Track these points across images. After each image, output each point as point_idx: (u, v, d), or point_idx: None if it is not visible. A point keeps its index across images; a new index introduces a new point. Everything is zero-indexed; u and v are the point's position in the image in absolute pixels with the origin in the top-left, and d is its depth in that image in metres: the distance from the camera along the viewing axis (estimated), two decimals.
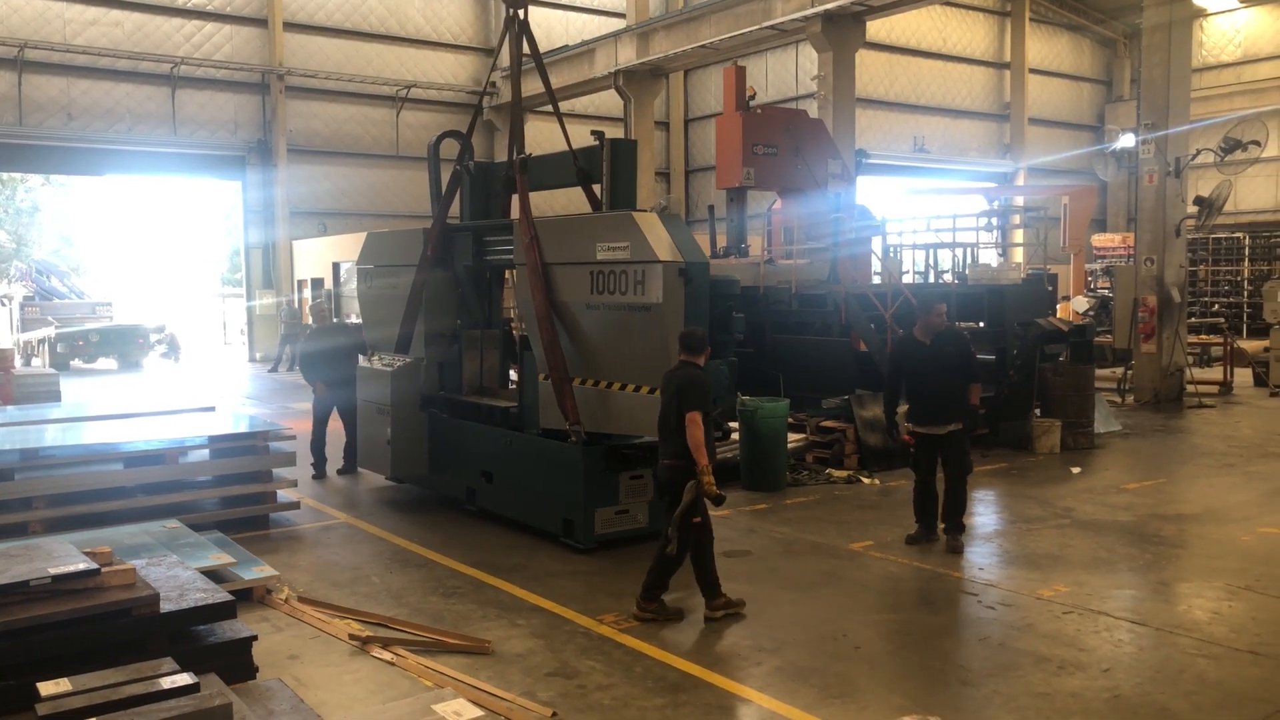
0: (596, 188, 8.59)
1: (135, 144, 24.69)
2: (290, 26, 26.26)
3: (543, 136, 27.48)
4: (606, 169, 8.21)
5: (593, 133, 8.50)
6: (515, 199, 9.10)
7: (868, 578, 7.00)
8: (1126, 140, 21.60)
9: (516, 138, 8.68)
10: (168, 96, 24.85)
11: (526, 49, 8.83)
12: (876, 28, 25.21)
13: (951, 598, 6.58)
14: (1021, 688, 5.05)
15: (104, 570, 4.56)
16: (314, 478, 10.48)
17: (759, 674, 5.27)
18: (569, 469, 7.62)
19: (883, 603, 6.48)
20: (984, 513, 9.16)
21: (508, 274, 9.82)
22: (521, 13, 8.70)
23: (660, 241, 6.93)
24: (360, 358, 9.87)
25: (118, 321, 26.95)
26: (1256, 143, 16.85)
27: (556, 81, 27.74)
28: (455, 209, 9.80)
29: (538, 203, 8.65)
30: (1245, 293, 28.43)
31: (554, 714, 4.74)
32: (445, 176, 9.78)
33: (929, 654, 5.55)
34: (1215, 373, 18.03)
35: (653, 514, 7.65)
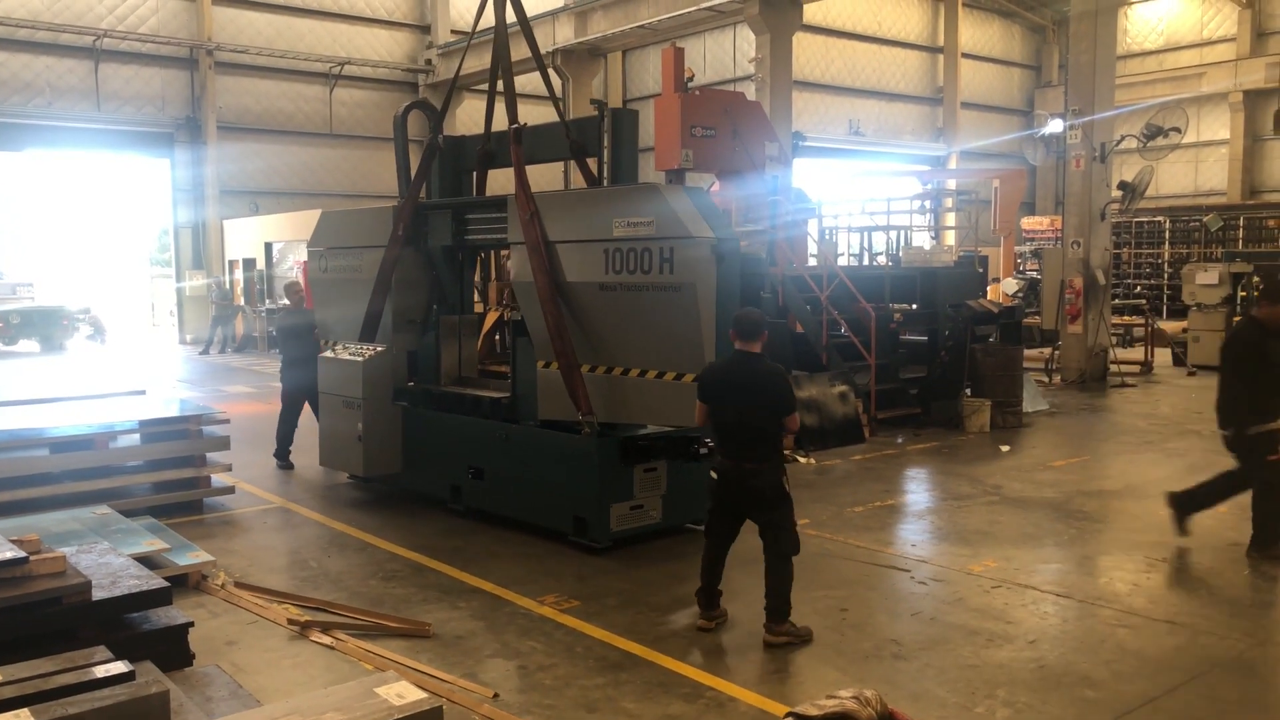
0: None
1: (57, 119, 23.87)
2: (219, 0, 25.58)
3: (479, 115, 27.15)
4: (608, 140, 7.61)
5: (592, 101, 8.31)
6: (491, 174, 8.78)
7: (803, 555, 7.10)
8: (1055, 125, 22.03)
9: (511, 107, 7.94)
10: (90, 70, 24.07)
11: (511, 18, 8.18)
12: (813, 10, 25.38)
13: (884, 574, 6.74)
14: (952, 660, 5.21)
15: (32, 558, 4.46)
16: (280, 468, 10.02)
17: (698, 652, 5.35)
18: (581, 462, 7.10)
19: (818, 579, 6.61)
20: (916, 490, 9.38)
21: (481, 256, 9.55)
22: None
23: (691, 216, 6.40)
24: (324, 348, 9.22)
25: (40, 303, 26.12)
26: (1177, 129, 17.37)
27: (482, 64, 27.63)
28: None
29: (499, 180, 8.37)
30: (1165, 275, 29.31)
31: (495, 695, 4.77)
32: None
33: (863, 629, 5.69)
34: (1137, 353, 18.61)
35: (666, 509, 7.31)
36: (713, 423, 5.60)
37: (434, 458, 8.42)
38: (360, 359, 8.55)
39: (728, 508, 5.61)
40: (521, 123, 7.88)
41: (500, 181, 9.10)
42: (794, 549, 5.49)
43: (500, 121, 8.63)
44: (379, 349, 8.61)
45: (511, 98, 7.94)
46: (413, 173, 8.92)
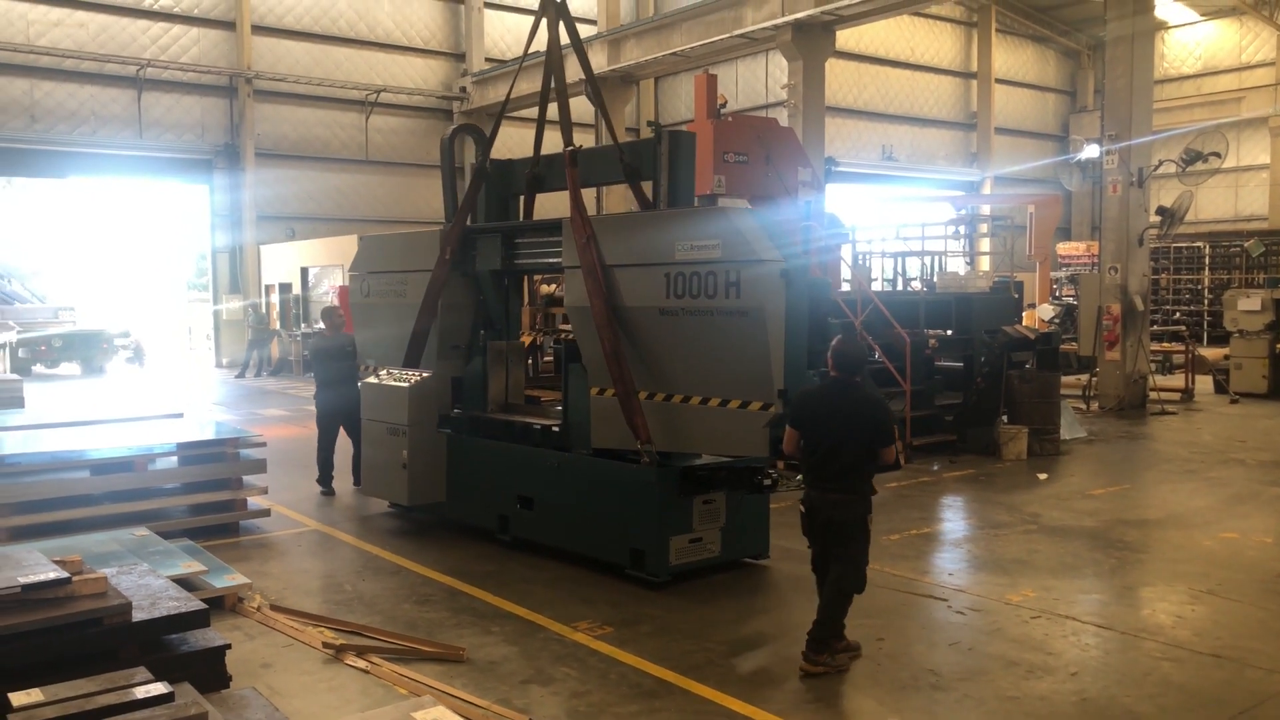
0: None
1: (100, 146, 24.38)
2: (259, 29, 26.06)
3: (513, 141, 27.39)
4: (665, 163, 7.38)
5: (649, 124, 8.25)
6: (539, 198, 8.74)
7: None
8: (1091, 150, 21.94)
9: (566, 129, 7.76)
10: (133, 99, 24.58)
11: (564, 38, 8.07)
12: (846, 37, 25.45)
13: (921, 603, 6.65)
14: (991, 691, 5.12)
15: (75, 579, 4.51)
16: (322, 494, 9.97)
17: (733, 680, 5.30)
18: (640, 493, 6.84)
19: (854, 608, 6.52)
20: (952, 518, 9.27)
21: (527, 280, 9.41)
22: None
23: (759, 238, 6.17)
24: (366, 374, 9.11)
25: (81, 326, 26.57)
26: (1217, 154, 17.22)
27: (527, 88, 27.67)
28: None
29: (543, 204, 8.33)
30: (1206, 301, 28.95)
31: None
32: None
33: (900, 659, 5.61)
34: (1177, 380, 18.34)
35: (725, 542, 7.08)
36: (804, 451, 5.42)
37: (480, 487, 8.19)
38: (406, 384, 8.36)
39: (815, 541, 5.46)
40: (576, 145, 7.72)
41: (544, 206, 9.13)
42: (859, 587, 5.36)
43: (549, 144, 8.63)
44: (424, 374, 8.44)
45: (566, 120, 7.81)
46: (459, 196, 8.86)
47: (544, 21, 8.06)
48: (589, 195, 8.40)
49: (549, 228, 7.93)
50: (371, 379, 8.83)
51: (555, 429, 7.64)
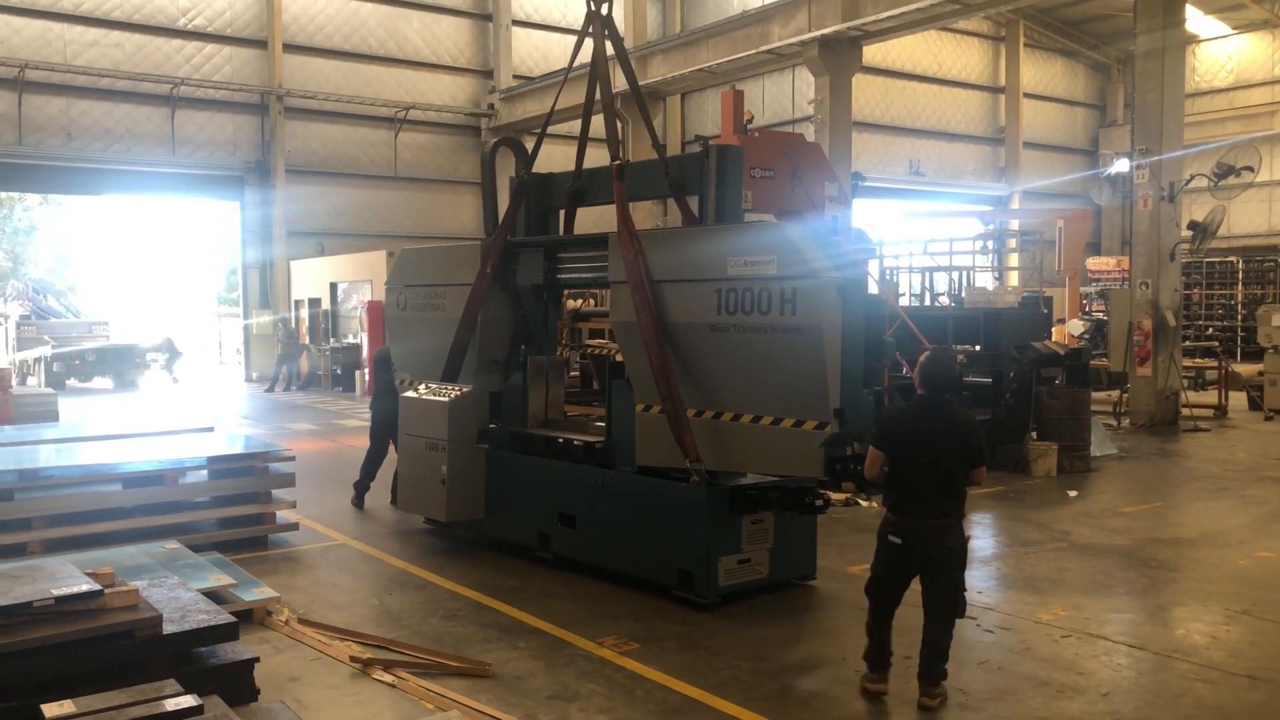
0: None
1: (134, 164, 24.79)
2: (290, 48, 26.42)
3: (544, 155, 27.40)
4: (713, 178, 7.29)
5: (697, 138, 8.24)
6: (579, 211, 8.70)
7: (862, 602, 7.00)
8: (1121, 165, 21.73)
9: (613, 142, 7.71)
10: (167, 117, 24.96)
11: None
12: (873, 52, 25.40)
13: None
14: (1021, 711, 5.06)
15: (107, 591, 4.56)
16: (354, 502, 10.05)
17: (760, 697, 5.27)
18: (687, 512, 6.72)
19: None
20: (982, 536, 9.17)
21: (566, 295, 9.29)
22: (606, 7, 7.92)
23: (816, 254, 6.09)
24: (403, 387, 9.07)
25: (114, 341, 26.94)
26: (1249, 168, 17.02)
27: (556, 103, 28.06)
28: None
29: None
30: (1239, 316, 28.59)
31: None
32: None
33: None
34: (1210, 396, 18.11)
35: (773, 563, 6.94)
36: (891, 475, 5.14)
37: (520, 503, 8.09)
38: (446, 399, 8.25)
39: (907, 571, 5.14)
40: (625, 159, 7.66)
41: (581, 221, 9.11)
42: (963, 611, 5.16)
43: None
44: (465, 389, 8.35)
45: (613, 133, 7.72)
46: (499, 210, 8.82)
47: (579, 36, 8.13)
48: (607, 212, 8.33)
49: (594, 242, 7.90)
50: (410, 393, 8.73)
51: (598, 445, 7.50)
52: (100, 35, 24.09)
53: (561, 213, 8.78)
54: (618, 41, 8.10)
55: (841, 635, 6.19)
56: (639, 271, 6.93)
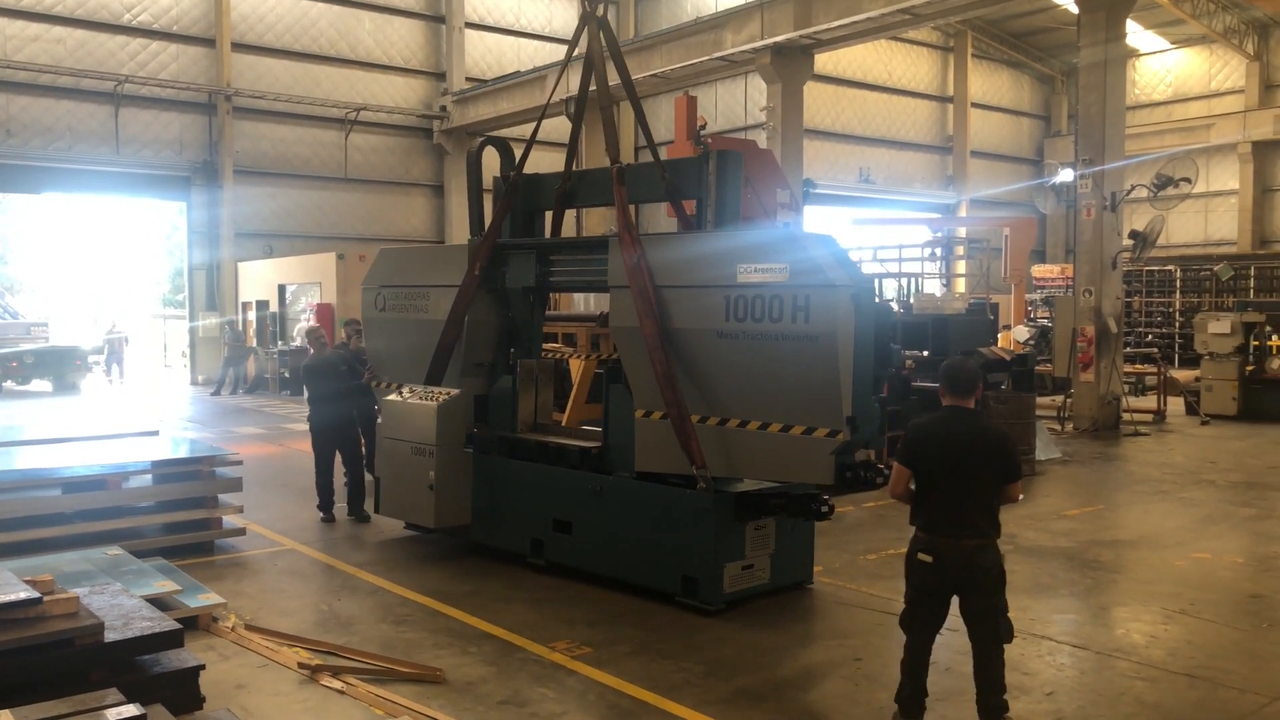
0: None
1: (76, 162, 24.23)
2: (239, 47, 26.03)
3: (494, 160, 27.22)
4: (713, 183, 7.22)
5: (696, 143, 8.12)
6: (566, 214, 8.59)
7: (817, 603, 7.07)
8: (1065, 175, 22.25)
9: (612, 146, 7.64)
10: (110, 115, 24.45)
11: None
12: (824, 60, 25.66)
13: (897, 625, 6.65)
14: (969, 712, 5.12)
15: (45, 599, 4.46)
16: (323, 520, 9.60)
17: (712, 700, 5.29)
18: (693, 519, 6.69)
19: (831, 628, 6.55)
20: None
21: (553, 298, 9.16)
22: (602, 8, 7.91)
23: (830, 263, 6.14)
24: (380, 389, 8.89)
25: (54, 343, 26.29)
26: (1187, 179, 17.45)
27: (507, 107, 27.96)
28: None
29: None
30: (1177, 324, 29.29)
31: None
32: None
33: (878, 679, 5.62)
34: (1150, 401, 18.53)
35: (774, 568, 6.97)
36: (919, 493, 4.87)
37: (510, 509, 7.95)
38: (434, 403, 8.06)
39: (942, 593, 4.81)
40: (622, 162, 7.56)
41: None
42: (1010, 636, 4.83)
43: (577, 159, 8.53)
44: (452, 393, 8.17)
45: (612, 134, 7.65)
46: (484, 211, 8.66)
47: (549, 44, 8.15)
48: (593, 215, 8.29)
49: (590, 245, 7.82)
50: (394, 396, 8.51)
51: (594, 451, 7.42)
52: (41, 30, 23.54)
53: (548, 214, 8.65)
54: (613, 43, 8.05)
55: (785, 648, 6.23)
56: (643, 278, 6.86)
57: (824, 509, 6.77)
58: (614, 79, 8.05)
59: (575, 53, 8.96)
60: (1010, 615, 4.83)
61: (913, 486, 4.90)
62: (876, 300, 6.46)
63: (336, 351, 10.47)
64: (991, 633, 4.76)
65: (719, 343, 6.54)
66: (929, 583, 4.80)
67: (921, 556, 4.82)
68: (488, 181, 8.59)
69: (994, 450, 4.78)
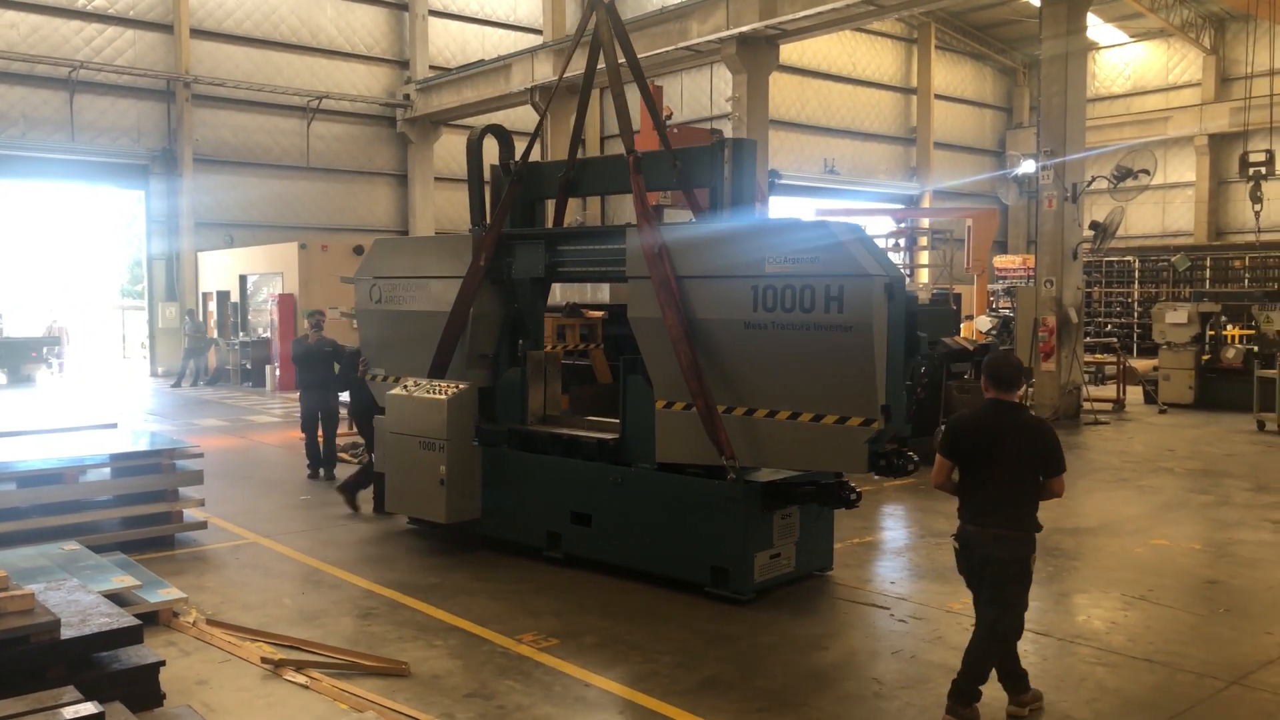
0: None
1: (30, 149, 23.72)
2: (198, 33, 25.60)
3: (458, 149, 27.14)
4: (728, 172, 7.13)
5: (710, 131, 8.09)
6: (569, 204, 8.55)
7: (784, 591, 7.09)
8: (1027, 166, 22.48)
9: (626, 135, 7.50)
10: (65, 101, 23.97)
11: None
12: (789, 51, 25.73)
13: (864, 611, 6.71)
14: (934, 699, 5.18)
15: (0, 596, 4.37)
16: (309, 477, 11.23)
17: (679, 691, 5.30)
18: (722, 509, 6.66)
19: (798, 617, 6.58)
20: (894, 527, 9.38)
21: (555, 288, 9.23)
22: None
23: (863, 253, 6.12)
24: (377, 382, 8.82)
25: (6, 334, 25.78)
26: (1146, 171, 17.73)
27: (472, 95, 27.77)
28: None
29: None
30: (1135, 314, 29.73)
31: None
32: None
33: (845, 668, 5.66)
34: (1109, 390, 18.79)
35: (799, 556, 7.02)
36: (962, 484, 4.94)
37: (524, 503, 7.86)
38: (444, 397, 7.90)
39: (973, 578, 4.93)
40: (637, 152, 7.46)
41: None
42: (1016, 633, 4.94)
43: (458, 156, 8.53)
44: (461, 386, 8.03)
45: (625, 123, 7.49)
46: (485, 200, 8.54)
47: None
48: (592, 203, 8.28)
49: (604, 234, 7.75)
50: (398, 390, 8.31)
51: (612, 443, 7.34)
52: None
53: (551, 203, 8.56)
54: (621, 31, 7.95)
55: (754, 640, 6.26)
56: (665, 268, 6.78)
57: (853, 496, 6.81)
58: (571, 71, 7.99)
59: (569, 42, 8.84)
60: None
61: (955, 478, 5.01)
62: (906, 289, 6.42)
63: (332, 340, 11.55)
64: (985, 620, 4.88)
65: (746, 333, 6.49)
66: (960, 569, 5.01)
67: (954, 543, 5.02)
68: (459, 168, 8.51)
69: (1037, 444, 4.83)
